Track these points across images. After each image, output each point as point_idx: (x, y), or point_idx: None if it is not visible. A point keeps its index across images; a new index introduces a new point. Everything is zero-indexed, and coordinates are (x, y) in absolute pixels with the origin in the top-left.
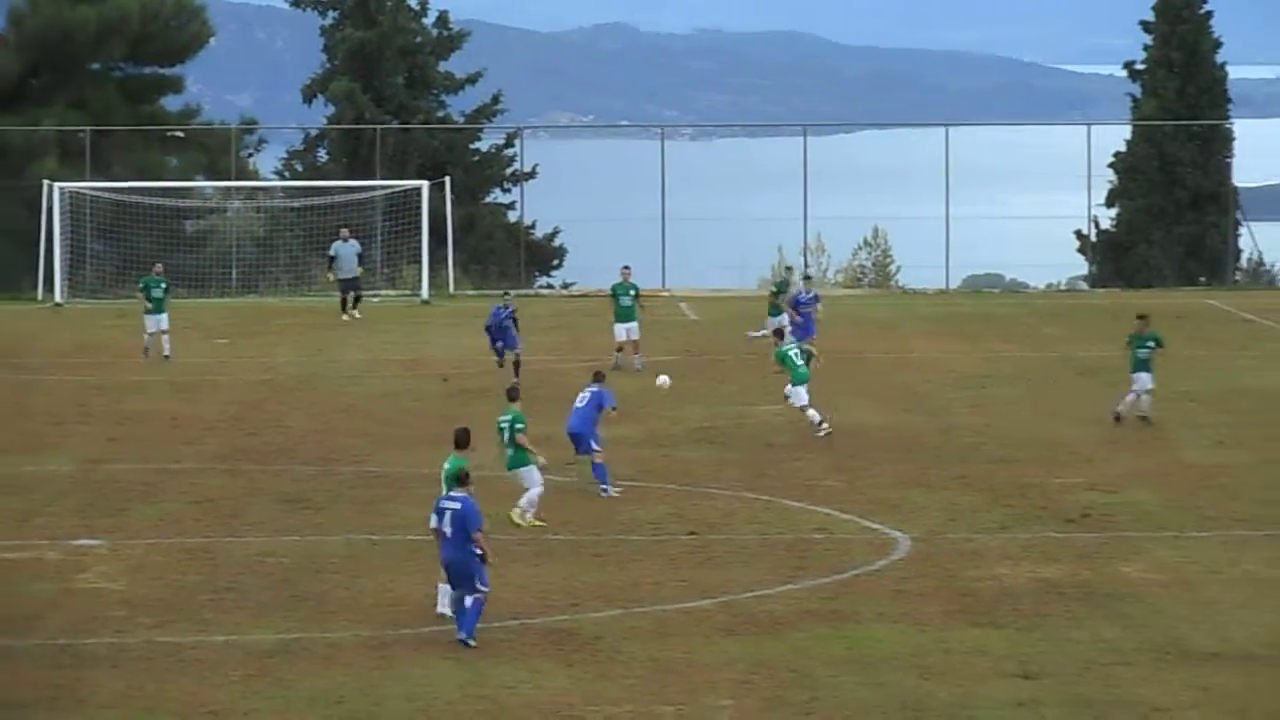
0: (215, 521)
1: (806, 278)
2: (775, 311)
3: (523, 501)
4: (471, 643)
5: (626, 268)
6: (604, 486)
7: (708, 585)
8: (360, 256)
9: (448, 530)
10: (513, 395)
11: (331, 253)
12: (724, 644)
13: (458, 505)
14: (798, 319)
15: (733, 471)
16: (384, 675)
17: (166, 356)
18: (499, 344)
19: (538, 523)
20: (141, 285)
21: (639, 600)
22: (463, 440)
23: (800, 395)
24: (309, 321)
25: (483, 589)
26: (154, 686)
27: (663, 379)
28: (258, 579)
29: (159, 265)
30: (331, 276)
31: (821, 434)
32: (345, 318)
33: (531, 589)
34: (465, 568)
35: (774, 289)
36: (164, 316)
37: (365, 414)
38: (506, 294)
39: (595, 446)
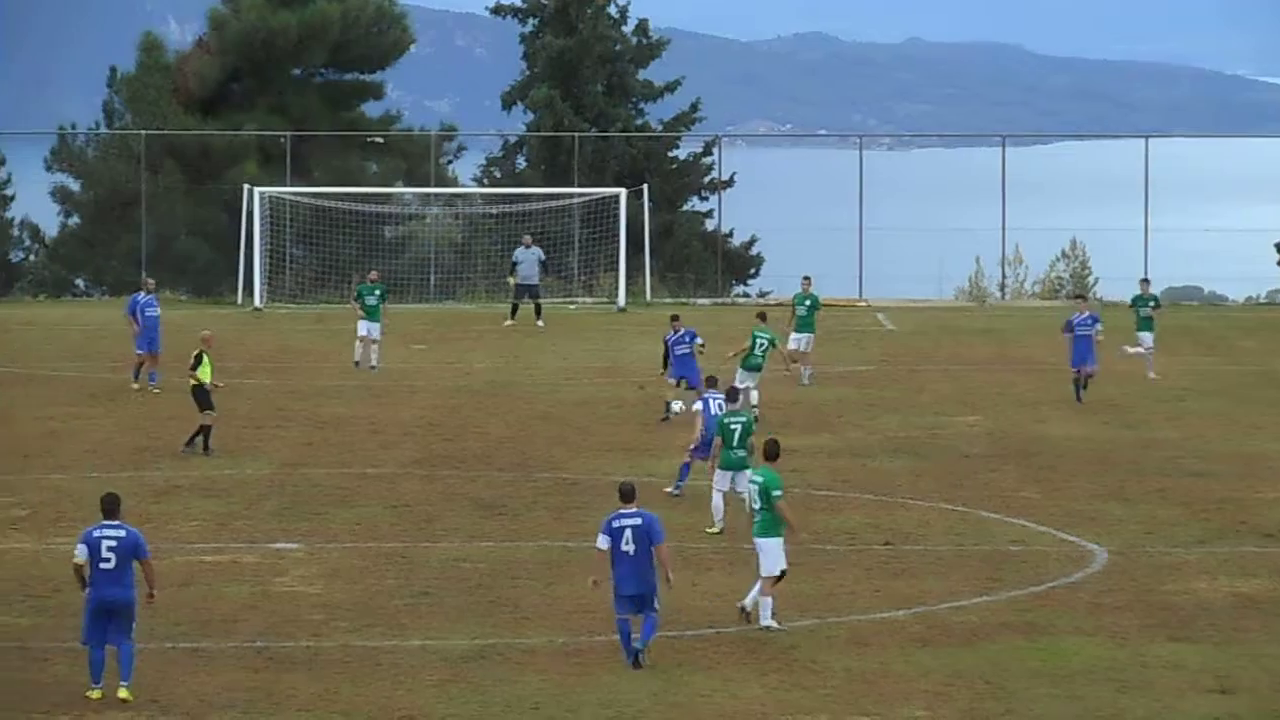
0: (411, 526)
1: (1079, 297)
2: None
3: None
4: (645, 661)
5: (806, 278)
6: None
7: (903, 596)
8: (543, 264)
9: (630, 548)
10: (772, 453)
11: (514, 259)
12: (919, 655)
13: (638, 520)
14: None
15: (929, 482)
16: (578, 682)
17: (374, 367)
18: (683, 377)
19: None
20: (356, 293)
21: (834, 610)
22: (773, 451)
23: None
24: (506, 328)
25: (658, 607)
26: (350, 690)
27: (678, 405)
28: (453, 584)
29: (374, 272)
30: (513, 282)
31: None
32: (509, 323)
33: (727, 598)
34: (647, 584)
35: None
36: (376, 325)
37: (561, 421)
38: (675, 319)
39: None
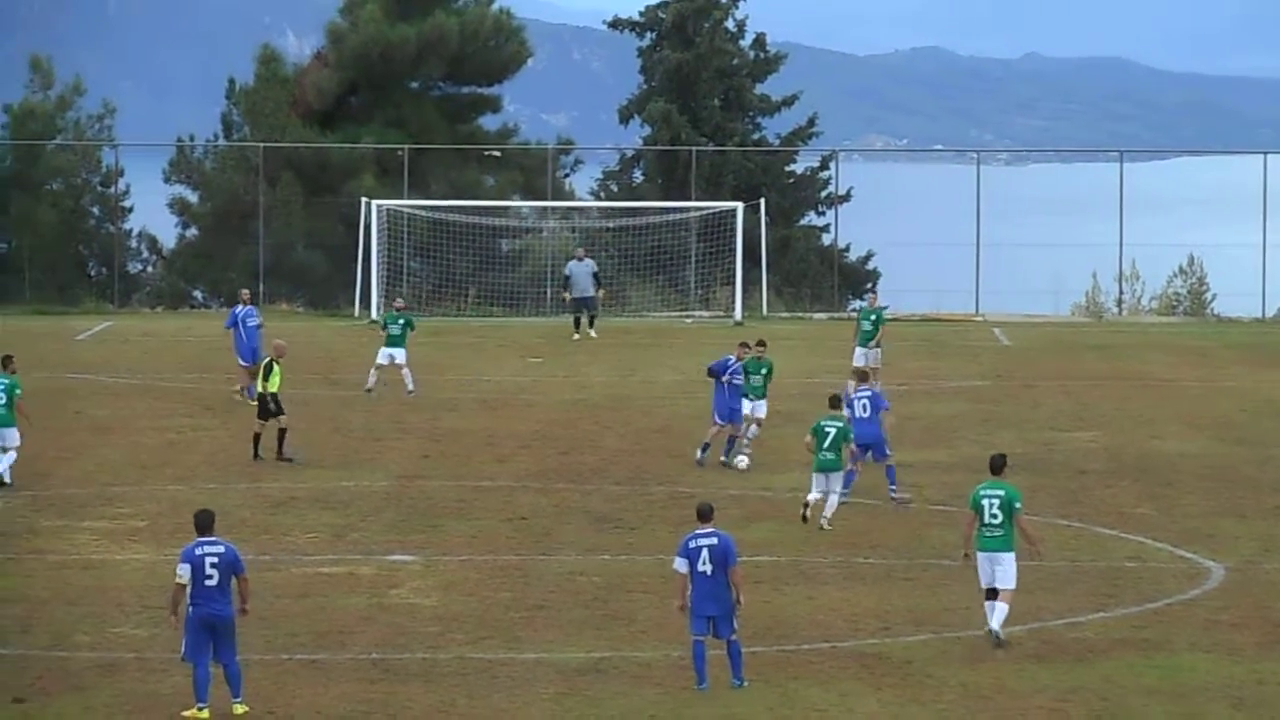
0: (527, 539)
1: None
2: None
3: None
4: (746, 683)
5: (872, 293)
6: (893, 487)
7: (1018, 611)
8: (595, 277)
9: (706, 568)
10: (999, 466)
11: (566, 272)
12: (1034, 671)
13: (714, 541)
14: None
15: (1044, 498)
16: (694, 695)
17: (410, 391)
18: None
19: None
20: (383, 321)
21: (950, 625)
22: (998, 465)
23: None
24: (622, 341)
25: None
26: (465, 702)
27: (742, 460)
28: (569, 597)
29: (400, 300)
30: (567, 296)
31: None
32: (577, 337)
33: (842, 612)
34: (724, 604)
35: None
36: (401, 351)
37: (678, 434)
38: (745, 346)
39: (889, 452)
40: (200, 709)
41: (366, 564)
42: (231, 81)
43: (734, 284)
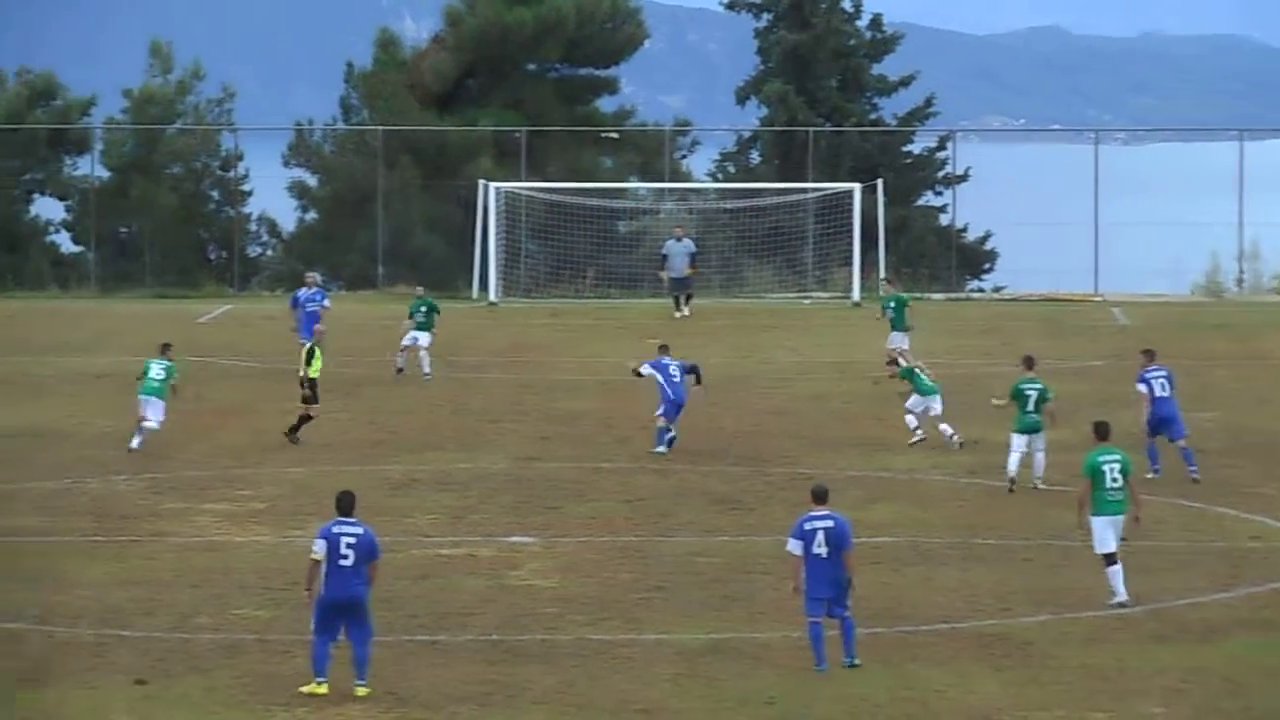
0: (646, 520)
1: None
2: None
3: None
4: (857, 662)
5: (888, 279)
6: (1192, 469)
7: (1139, 592)
8: (692, 257)
9: (822, 550)
10: (1105, 433)
11: (664, 251)
12: (1155, 651)
13: (830, 523)
14: None
15: (1164, 478)
16: (812, 676)
17: (427, 374)
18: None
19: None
20: (410, 310)
21: (1069, 605)
22: (1106, 431)
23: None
24: (740, 323)
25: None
26: (585, 683)
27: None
28: (688, 578)
29: (420, 288)
30: (664, 276)
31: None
32: (678, 315)
33: (961, 593)
34: (839, 585)
35: None
36: (427, 335)
37: (795, 415)
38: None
39: (1186, 432)
40: (319, 683)
41: (486, 545)
42: (350, 65)
43: (851, 265)
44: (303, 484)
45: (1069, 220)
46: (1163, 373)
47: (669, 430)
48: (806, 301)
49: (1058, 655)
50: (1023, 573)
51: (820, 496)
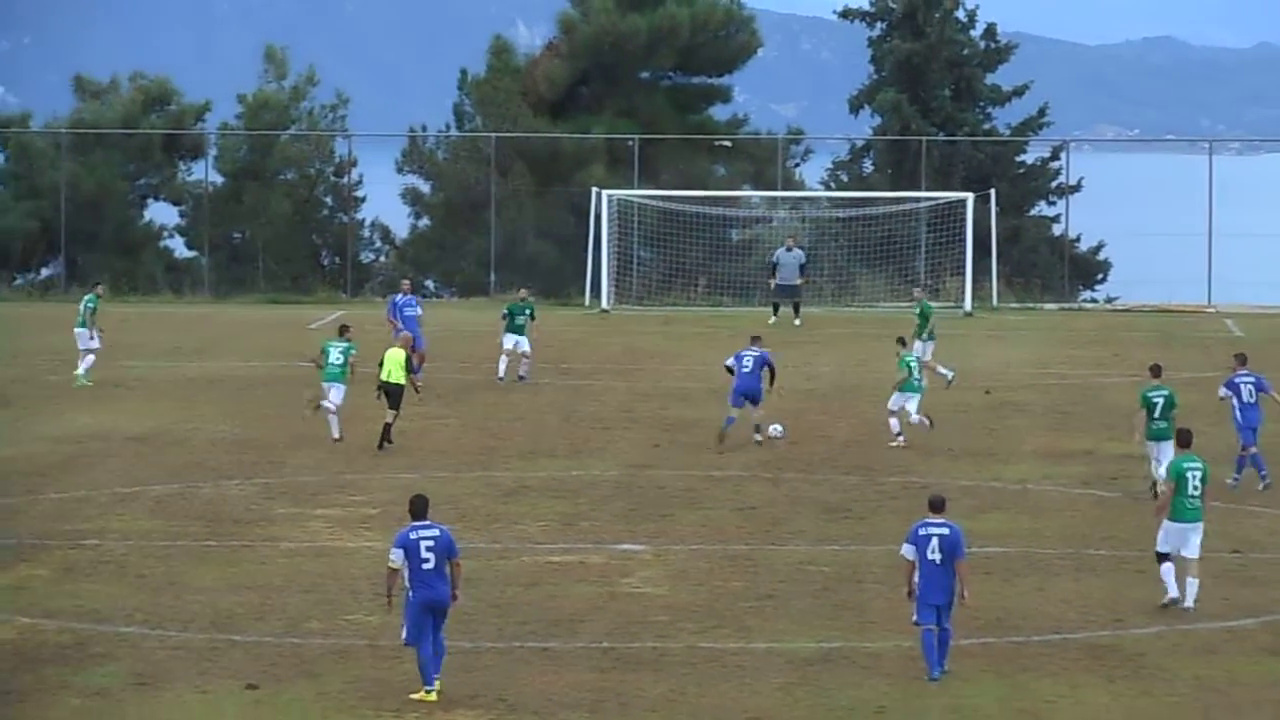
0: (757, 529)
1: None
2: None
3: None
4: (948, 670)
5: (920, 288)
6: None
7: (1251, 604)
8: (802, 267)
9: (935, 556)
10: (1187, 440)
11: (774, 259)
12: (1269, 664)
13: (946, 531)
14: None
15: (1277, 490)
16: (924, 686)
17: (522, 377)
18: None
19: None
20: (507, 311)
21: (1182, 617)
22: (1188, 439)
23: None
24: (853, 331)
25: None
26: (695, 691)
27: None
28: (799, 587)
29: (523, 290)
30: (773, 283)
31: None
32: (773, 321)
33: (1074, 604)
34: (950, 593)
35: None
36: (524, 339)
37: (907, 425)
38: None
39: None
40: (428, 691)
41: (597, 553)
42: (463, 72)
43: (964, 274)
44: (414, 490)
45: (1182, 231)
46: (1250, 379)
47: (733, 418)
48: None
49: (1170, 667)
50: (1135, 584)
51: (937, 506)
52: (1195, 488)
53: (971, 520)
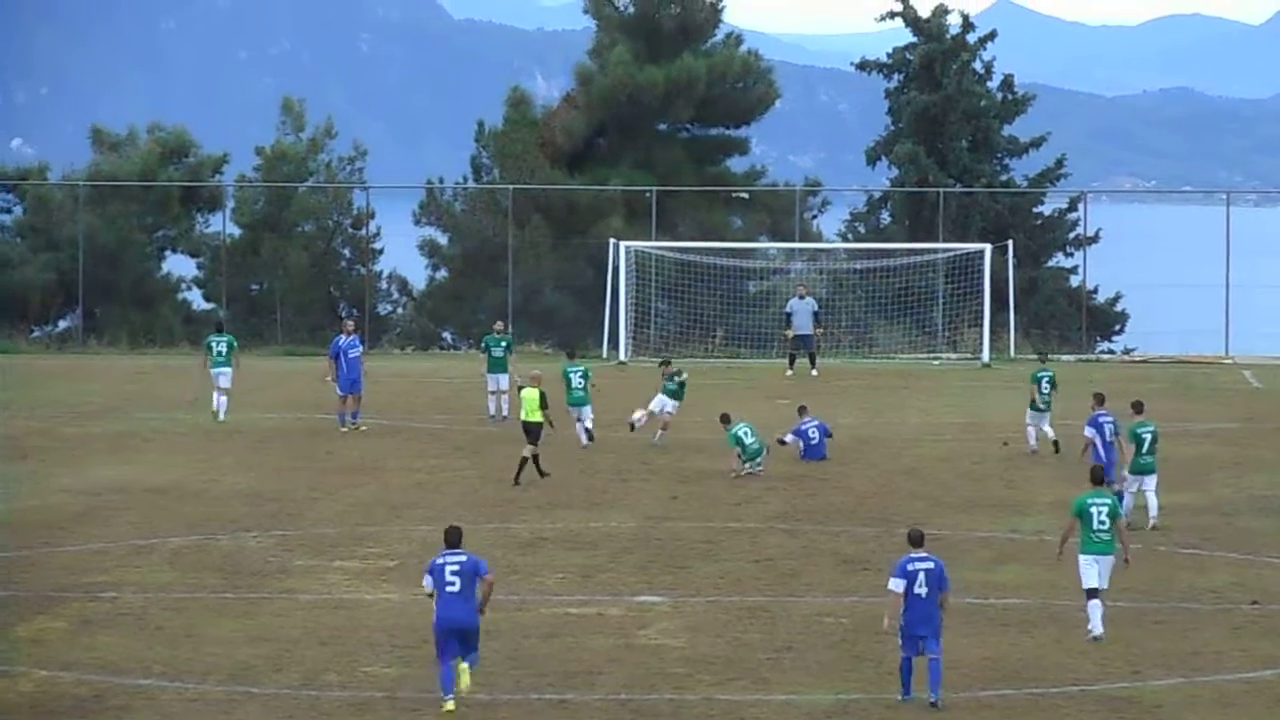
0: (774, 580)
1: None
2: None
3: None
4: (941, 702)
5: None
6: None
7: (1271, 656)
8: (816, 315)
9: (922, 590)
10: (1098, 477)
11: (788, 310)
12: None
13: (931, 564)
14: None
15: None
16: None
17: (504, 417)
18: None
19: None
20: (484, 344)
21: (1200, 669)
22: (1098, 476)
23: None
24: (869, 384)
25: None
26: None
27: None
28: (816, 639)
29: (500, 323)
30: (789, 334)
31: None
32: (790, 374)
33: (1092, 655)
34: (935, 624)
35: None
36: (504, 377)
37: (924, 476)
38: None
39: None
40: (447, 701)
41: (615, 605)
42: (481, 124)
43: (981, 326)
44: (432, 542)
45: (1200, 282)
46: (1110, 419)
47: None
48: (936, 363)
49: (1188, 719)
50: (1153, 635)
51: (917, 540)
52: (1101, 522)
53: (989, 572)
